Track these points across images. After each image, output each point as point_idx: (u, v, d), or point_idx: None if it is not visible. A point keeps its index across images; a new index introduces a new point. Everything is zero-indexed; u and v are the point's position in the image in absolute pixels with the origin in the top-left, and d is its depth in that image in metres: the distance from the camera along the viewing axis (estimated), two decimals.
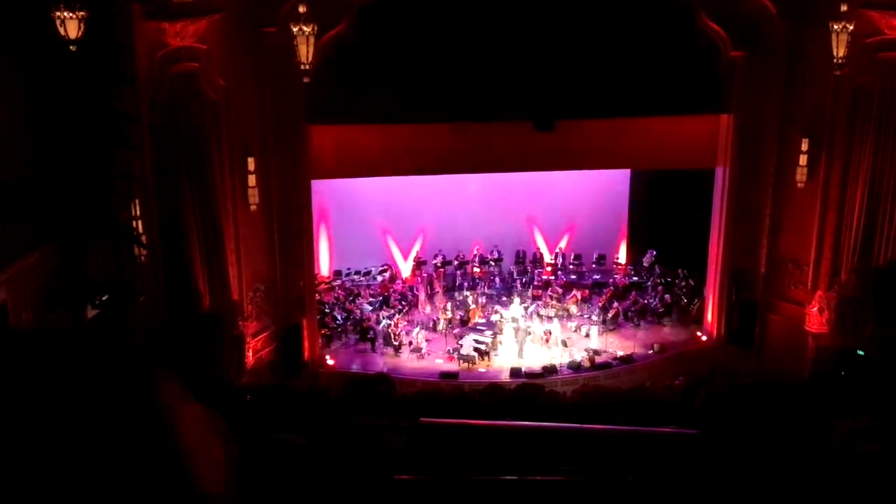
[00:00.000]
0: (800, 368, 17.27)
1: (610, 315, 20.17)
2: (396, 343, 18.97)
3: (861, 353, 15.52)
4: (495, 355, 18.77)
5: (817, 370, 16.45)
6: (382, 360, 18.69)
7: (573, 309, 20.56)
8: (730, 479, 3.02)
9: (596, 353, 18.80)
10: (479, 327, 19.71)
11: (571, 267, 23.01)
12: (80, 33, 11.52)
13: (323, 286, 21.34)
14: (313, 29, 15.09)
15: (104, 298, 12.78)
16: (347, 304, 20.78)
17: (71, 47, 11.52)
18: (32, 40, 11.84)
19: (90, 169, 12.65)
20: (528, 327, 19.36)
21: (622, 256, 23.52)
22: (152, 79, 14.09)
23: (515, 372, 17.92)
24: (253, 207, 16.76)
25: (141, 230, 13.52)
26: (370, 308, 20.62)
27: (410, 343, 19.07)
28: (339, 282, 22.17)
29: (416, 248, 23.06)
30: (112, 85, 12.87)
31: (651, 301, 20.96)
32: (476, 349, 18.64)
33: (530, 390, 8.27)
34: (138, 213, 13.48)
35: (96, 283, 12.78)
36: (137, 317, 13.63)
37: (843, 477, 3.46)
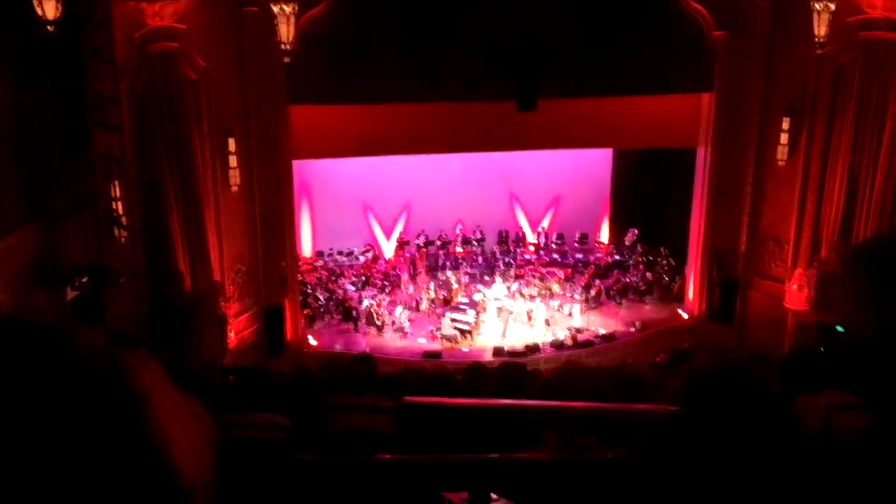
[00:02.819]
0: (780, 345, 17.42)
1: (592, 294, 20.27)
2: (379, 323, 18.99)
3: (840, 329, 15.68)
4: (478, 335, 18.83)
5: (797, 346, 16.60)
6: (365, 340, 18.70)
7: (556, 288, 20.63)
8: (710, 456, 3.05)
9: (578, 331, 18.90)
10: (461, 307, 19.75)
11: (554, 246, 23.06)
12: (57, 13, 11.38)
13: (305, 266, 21.30)
14: (294, 8, 14.99)
15: (84, 280, 12.70)
16: (330, 284, 20.76)
17: (48, 28, 11.37)
18: (9, 20, 11.67)
19: (69, 150, 12.53)
20: (512, 307, 19.42)
21: (604, 235, 23.58)
22: (131, 59, 13.94)
23: (498, 351, 17.98)
24: (234, 188, 16.69)
25: (121, 211, 13.43)
26: (353, 288, 20.61)
27: (393, 323, 19.09)
28: (321, 262, 22.14)
29: (399, 228, 23.04)
30: (90, 65, 12.73)
31: (633, 279, 21.06)
32: (457, 328, 18.68)
33: (513, 369, 8.31)
34: (118, 194, 13.37)
35: (76, 264, 12.70)
36: (118, 298, 13.55)
37: (822, 450, 3.50)
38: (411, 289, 20.93)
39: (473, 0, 16.73)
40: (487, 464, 3.37)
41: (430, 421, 4.29)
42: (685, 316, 19.75)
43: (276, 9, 14.79)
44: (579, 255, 22.67)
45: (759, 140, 18.12)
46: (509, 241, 23.11)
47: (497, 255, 22.55)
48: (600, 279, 20.96)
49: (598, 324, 19.43)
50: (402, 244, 22.53)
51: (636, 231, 22.41)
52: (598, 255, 22.64)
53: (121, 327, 13.24)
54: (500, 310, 19.14)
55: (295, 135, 17.41)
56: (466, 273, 21.56)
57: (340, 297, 20.02)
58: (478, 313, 19.19)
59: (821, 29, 15.66)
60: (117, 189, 13.35)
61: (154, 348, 12.46)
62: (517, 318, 19.26)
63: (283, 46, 15.16)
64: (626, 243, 22.51)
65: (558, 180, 23.33)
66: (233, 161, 16.52)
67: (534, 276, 20.99)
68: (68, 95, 12.42)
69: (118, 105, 13.42)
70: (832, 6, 15.44)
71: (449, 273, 21.39)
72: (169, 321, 14.41)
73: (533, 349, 18.18)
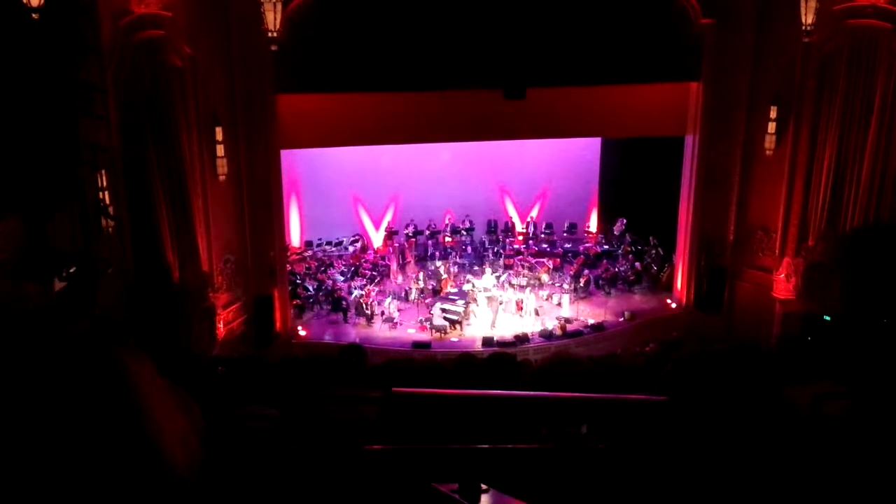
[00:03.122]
0: (767, 334, 17.51)
1: (581, 283, 20.30)
2: (368, 313, 18.98)
3: (827, 318, 15.75)
4: (468, 325, 18.84)
5: (784, 336, 16.68)
6: (355, 331, 18.70)
7: (545, 278, 20.66)
8: (697, 444, 3.05)
9: (567, 321, 18.93)
10: (451, 297, 19.76)
11: (543, 236, 23.10)
12: (41, 1, 11.28)
13: (294, 257, 21.27)
14: None
15: (71, 271, 12.62)
16: (319, 274, 20.74)
17: (33, 15, 11.27)
18: None
19: (55, 139, 12.43)
20: (501, 297, 19.43)
21: (593, 225, 23.64)
22: (117, 47, 13.83)
23: (488, 341, 18.00)
24: (221, 178, 16.61)
25: (108, 201, 13.34)
26: (342, 278, 20.59)
27: (382, 313, 19.09)
28: (310, 252, 22.11)
29: (388, 217, 23.03)
30: (76, 53, 12.63)
31: (622, 269, 21.11)
32: (446, 318, 18.68)
33: (502, 359, 8.31)
34: (105, 183, 13.28)
35: (63, 255, 12.62)
36: (106, 289, 13.48)
37: (808, 439, 3.51)
38: (400, 279, 20.93)
39: None
40: (477, 454, 3.37)
41: (420, 411, 4.28)
42: (673, 305, 19.82)
43: None
44: (568, 245, 22.72)
45: (747, 129, 18.16)
46: (498, 230, 23.13)
47: (486, 244, 22.58)
48: (589, 269, 21.01)
49: (588, 313, 19.48)
50: (390, 234, 22.52)
51: (625, 220, 22.47)
52: (587, 244, 22.69)
53: (108, 318, 13.17)
54: (489, 300, 19.16)
55: (283, 124, 17.34)
56: (455, 263, 21.57)
57: (330, 288, 20.00)
58: (467, 303, 19.21)
59: (808, 17, 15.71)
60: (104, 178, 13.27)
61: (142, 339, 12.42)
62: (506, 308, 19.28)
63: (269, 34, 15.09)
64: (615, 232, 22.57)
65: (547, 170, 23.35)
66: (220, 150, 16.44)
67: (523, 266, 21.02)
68: (55, 84, 12.32)
69: (104, 93, 13.32)
70: None
71: (438, 263, 21.40)
72: (157, 312, 14.35)
73: (522, 339, 18.20)
